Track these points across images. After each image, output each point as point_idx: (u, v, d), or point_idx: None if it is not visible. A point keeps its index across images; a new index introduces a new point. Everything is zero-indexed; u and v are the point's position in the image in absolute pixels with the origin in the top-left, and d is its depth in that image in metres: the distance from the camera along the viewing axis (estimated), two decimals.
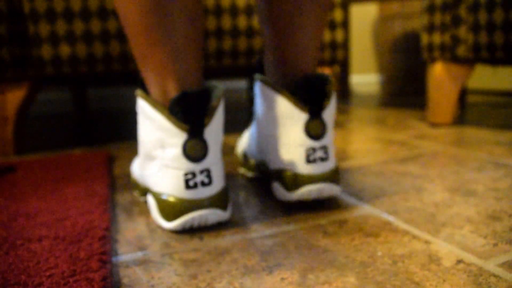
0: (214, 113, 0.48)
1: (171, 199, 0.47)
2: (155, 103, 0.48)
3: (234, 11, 0.95)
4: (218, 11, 0.94)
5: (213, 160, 0.48)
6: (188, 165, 0.47)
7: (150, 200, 0.50)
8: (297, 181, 0.52)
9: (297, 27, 0.53)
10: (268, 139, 0.56)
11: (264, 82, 0.55)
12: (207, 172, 0.47)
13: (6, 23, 0.85)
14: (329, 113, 0.53)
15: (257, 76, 0.57)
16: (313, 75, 0.52)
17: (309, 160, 0.51)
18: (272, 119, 0.54)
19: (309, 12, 0.53)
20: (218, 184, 0.48)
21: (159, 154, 0.48)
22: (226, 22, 0.95)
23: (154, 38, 0.47)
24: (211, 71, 1.02)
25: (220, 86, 0.51)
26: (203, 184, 0.47)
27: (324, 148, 0.52)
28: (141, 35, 0.47)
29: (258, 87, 0.57)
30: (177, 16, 0.47)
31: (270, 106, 0.54)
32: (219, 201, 0.48)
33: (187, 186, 0.47)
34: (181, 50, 0.48)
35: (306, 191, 0.52)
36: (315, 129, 0.51)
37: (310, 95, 0.51)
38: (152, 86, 0.49)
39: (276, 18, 0.54)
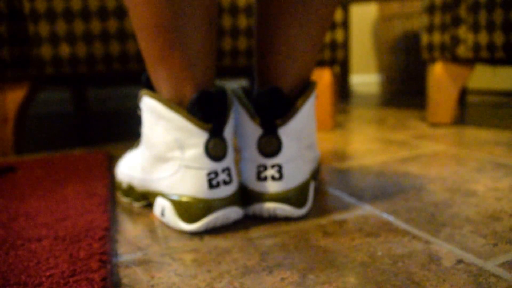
0: (230, 111, 0.48)
1: (192, 200, 0.46)
2: (170, 104, 0.47)
3: (234, 11, 0.95)
4: (218, 11, 0.94)
5: (232, 158, 0.49)
6: (211, 165, 0.46)
7: (163, 203, 0.49)
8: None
9: (278, 37, 0.50)
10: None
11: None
12: (228, 170, 0.48)
13: (6, 23, 0.85)
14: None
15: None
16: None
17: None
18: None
19: (296, 24, 0.50)
20: (236, 182, 0.49)
21: (176, 155, 0.47)
22: (226, 22, 0.95)
23: (171, 41, 0.45)
24: None
25: (225, 85, 0.51)
26: (225, 182, 0.47)
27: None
28: (157, 38, 0.45)
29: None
30: (195, 18, 0.45)
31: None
32: (237, 198, 0.49)
33: (210, 186, 0.46)
34: (198, 52, 0.47)
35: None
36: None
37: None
38: (165, 87, 0.48)
39: (262, 23, 0.52)
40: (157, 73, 0.48)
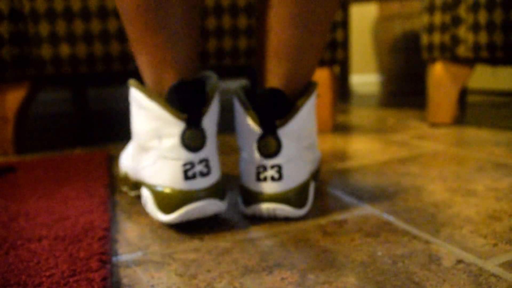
0: (211, 102, 0.47)
1: (169, 191, 0.46)
2: (150, 92, 0.47)
3: (234, 10, 0.95)
4: (218, 11, 0.94)
5: (211, 150, 0.48)
6: (186, 155, 0.46)
7: (145, 193, 0.49)
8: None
9: (279, 39, 0.50)
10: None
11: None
12: (206, 162, 0.47)
13: (6, 23, 0.85)
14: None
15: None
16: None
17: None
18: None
19: (296, 26, 0.49)
20: (216, 174, 0.48)
21: (155, 145, 0.47)
22: (226, 22, 0.95)
23: (151, 23, 0.45)
24: (211, 70, 1.02)
25: (214, 75, 0.51)
26: (202, 174, 0.46)
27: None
28: (138, 20, 0.46)
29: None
30: (175, 0, 0.45)
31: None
32: (217, 191, 0.48)
33: (186, 177, 0.46)
34: (179, 36, 0.47)
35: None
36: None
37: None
38: (147, 74, 0.48)
39: (262, 24, 0.52)
40: (140, 58, 0.48)
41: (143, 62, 0.48)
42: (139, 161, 0.51)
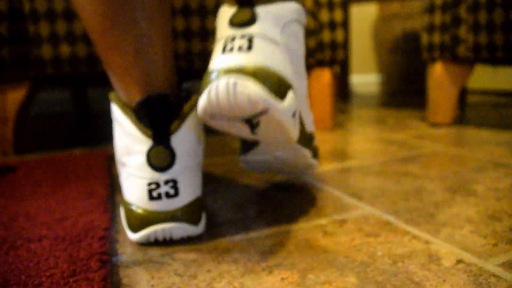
0: (185, 119, 0.45)
1: (136, 209, 0.44)
2: (124, 106, 0.45)
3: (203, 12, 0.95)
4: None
5: (182, 170, 0.45)
6: (152, 175, 0.43)
7: (120, 208, 0.47)
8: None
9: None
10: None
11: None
12: (173, 182, 0.44)
13: (6, 23, 0.85)
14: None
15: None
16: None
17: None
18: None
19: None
20: (187, 196, 0.45)
21: (126, 161, 0.45)
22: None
23: (111, 41, 0.44)
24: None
25: (190, 89, 0.49)
26: (168, 195, 0.44)
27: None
28: (99, 38, 0.44)
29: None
30: (135, 17, 0.44)
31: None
32: (187, 214, 0.45)
33: (151, 197, 0.43)
34: (142, 52, 0.44)
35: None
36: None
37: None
38: (118, 90, 0.47)
39: None
40: (109, 75, 0.47)
41: (111, 79, 0.47)
42: (120, 175, 0.49)
